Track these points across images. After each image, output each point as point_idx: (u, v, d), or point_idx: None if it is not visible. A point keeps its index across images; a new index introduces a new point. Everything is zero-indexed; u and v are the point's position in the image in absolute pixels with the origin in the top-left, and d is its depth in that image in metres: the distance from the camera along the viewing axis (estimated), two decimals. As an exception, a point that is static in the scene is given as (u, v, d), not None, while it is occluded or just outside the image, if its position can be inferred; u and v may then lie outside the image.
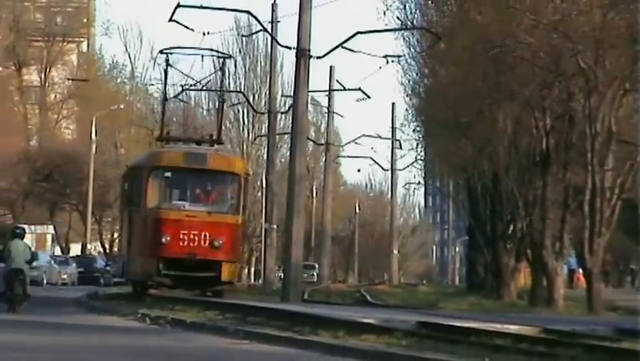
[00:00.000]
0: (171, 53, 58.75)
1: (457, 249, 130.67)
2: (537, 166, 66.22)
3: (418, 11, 74.00)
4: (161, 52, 63.52)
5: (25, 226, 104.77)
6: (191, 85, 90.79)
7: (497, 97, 63.88)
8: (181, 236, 40.82)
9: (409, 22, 72.63)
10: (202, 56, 62.56)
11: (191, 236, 40.20)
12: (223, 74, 67.65)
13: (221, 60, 69.21)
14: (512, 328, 39.26)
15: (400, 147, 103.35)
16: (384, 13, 73.16)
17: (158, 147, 51.51)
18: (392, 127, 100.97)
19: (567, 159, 62.70)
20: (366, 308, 56.99)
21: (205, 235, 40.40)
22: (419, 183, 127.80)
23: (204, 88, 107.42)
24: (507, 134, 65.55)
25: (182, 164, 42.77)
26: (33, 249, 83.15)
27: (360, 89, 79.49)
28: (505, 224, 74.71)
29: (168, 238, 40.97)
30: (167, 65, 62.11)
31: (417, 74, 79.14)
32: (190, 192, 42.94)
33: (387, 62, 67.41)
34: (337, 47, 63.98)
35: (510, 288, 73.97)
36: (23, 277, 49.54)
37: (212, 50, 68.31)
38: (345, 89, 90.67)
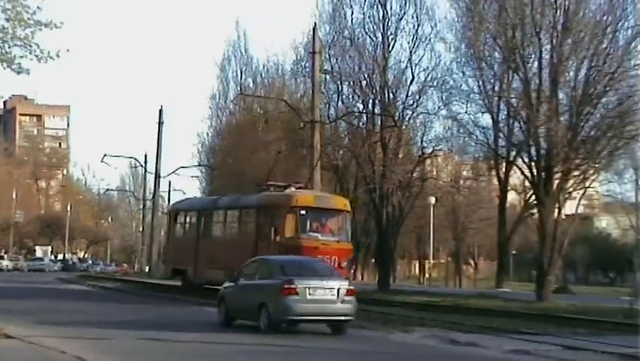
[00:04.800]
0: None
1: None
2: None
3: (205, 156, 71.90)
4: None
5: (38, 247, 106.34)
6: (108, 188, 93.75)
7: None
8: None
9: (202, 162, 71.57)
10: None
11: (325, 260, 28.12)
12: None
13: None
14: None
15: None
16: (192, 156, 73.44)
17: (256, 190, 35.79)
18: None
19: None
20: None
21: (335, 259, 29.20)
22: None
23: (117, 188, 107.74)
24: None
25: (313, 204, 30.81)
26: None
27: (183, 191, 78.69)
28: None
29: None
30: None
31: (205, 186, 78.56)
32: (320, 225, 30.73)
33: (193, 179, 67.91)
34: (171, 173, 63.77)
35: None
36: None
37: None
38: (175, 190, 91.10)
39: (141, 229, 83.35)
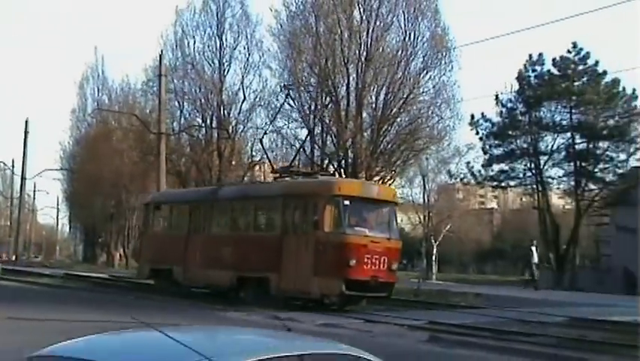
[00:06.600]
0: None
1: (80, 248, 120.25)
2: (111, 219, 62.82)
3: (67, 162, 68.33)
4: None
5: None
6: None
7: (96, 197, 61.45)
8: (365, 260, 20.59)
9: (64, 166, 69.70)
10: None
11: (374, 260, 20.71)
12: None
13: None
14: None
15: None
16: (55, 162, 71.09)
17: (271, 178, 28.44)
18: (57, 205, 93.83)
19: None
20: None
21: (384, 259, 20.95)
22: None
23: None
24: (107, 210, 63.66)
25: (359, 193, 21.58)
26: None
27: (46, 191, 76.33)
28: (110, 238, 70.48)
29: (354, 262, 20.26)
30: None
31: (66, 187, 75.72)
32: (367, 218, 22.01)
33: (55, 181, 65.54)
34: (36, 176, 62.37)
35: (99, 259, 68.97)
36: None
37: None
38: (40, 190, 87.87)
39: (9, 223, 79.83)
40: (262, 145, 34.40)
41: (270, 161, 34.88)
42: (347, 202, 20.95)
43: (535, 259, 35.24)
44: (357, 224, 21.38)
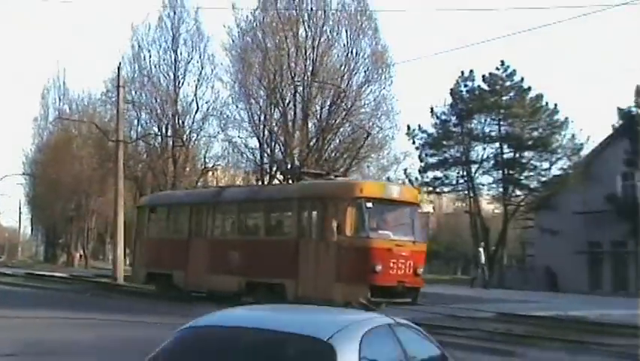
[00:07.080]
0: None
1: (41, 249, 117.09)
2: (71, 222, 61.99)
3: (29, 167, 68.41)
4: None
5: None
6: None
7: (57, 200, 60.34)
8: (391, 265, 18.19)
9: (26, 172, 68.51)
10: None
11: (399, 264, 18.24)
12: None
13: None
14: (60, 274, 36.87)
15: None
16: (17, 167, 69.79)
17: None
18: (20, 208, 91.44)
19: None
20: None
21: (410, 264, 18.46)
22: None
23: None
24: (67, 213, 62.31)
25: (382, 195, 19.08)
26: None
27: (8, 195, 74.14)
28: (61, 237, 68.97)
29: (380, 267, 17.93)
30: None
31: (28, 191, 74.23)
32: (390, 221, 19.45)
33: (18, 185, 63.78)
34: (2, 178, 60.87)
35: (60, 260, 67.81)
36: None
37: None
38: (2, 195, 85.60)
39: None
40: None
41: (275, 164, 34.72)
42: (370, 204, 18.67)
43: (483, 259, 36.63)
44: (381, 227, 19.11)
